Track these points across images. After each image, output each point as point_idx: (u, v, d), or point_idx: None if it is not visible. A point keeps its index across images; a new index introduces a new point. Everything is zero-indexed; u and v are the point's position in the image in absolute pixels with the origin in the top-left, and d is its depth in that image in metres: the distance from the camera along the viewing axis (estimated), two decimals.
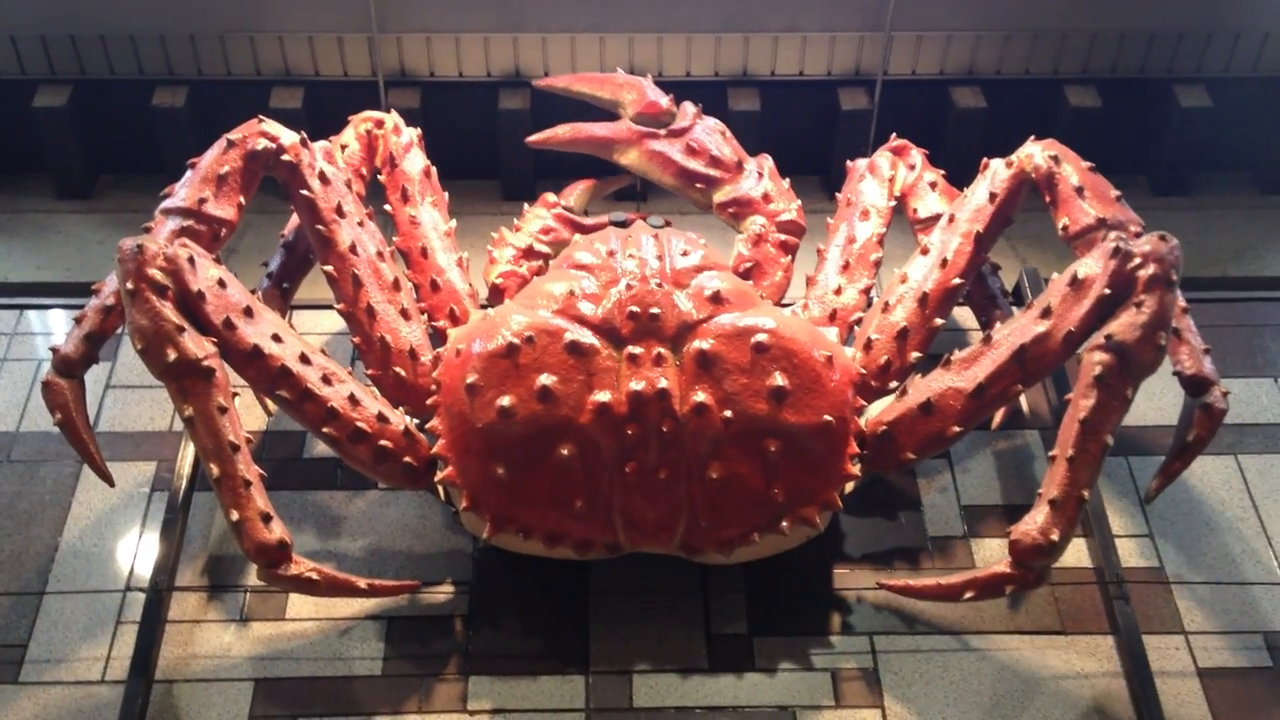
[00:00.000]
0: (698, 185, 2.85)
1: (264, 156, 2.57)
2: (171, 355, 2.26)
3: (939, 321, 2.57)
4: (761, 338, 2.37)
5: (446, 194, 2.81)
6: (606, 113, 3.00)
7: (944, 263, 2.58)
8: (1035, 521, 2.31)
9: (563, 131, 2.96)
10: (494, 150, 3.48)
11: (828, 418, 2.38)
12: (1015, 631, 2.55)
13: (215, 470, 2.28)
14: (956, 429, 2.44)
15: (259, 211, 3.24)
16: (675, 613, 2.57)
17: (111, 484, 2.61)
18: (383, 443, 2.42)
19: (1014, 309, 2.71)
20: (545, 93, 3.12)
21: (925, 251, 2.62)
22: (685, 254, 2.51)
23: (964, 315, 3.05)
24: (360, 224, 2.59)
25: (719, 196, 2.84)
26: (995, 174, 2.63)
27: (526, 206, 2.89)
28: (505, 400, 2.34)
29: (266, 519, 2.29)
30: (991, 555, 2.66)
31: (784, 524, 2.40)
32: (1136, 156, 3.62)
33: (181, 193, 2.53)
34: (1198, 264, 3.36)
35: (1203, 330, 2.60)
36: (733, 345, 2.37)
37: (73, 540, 2.68)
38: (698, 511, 2.38)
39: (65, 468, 2.79)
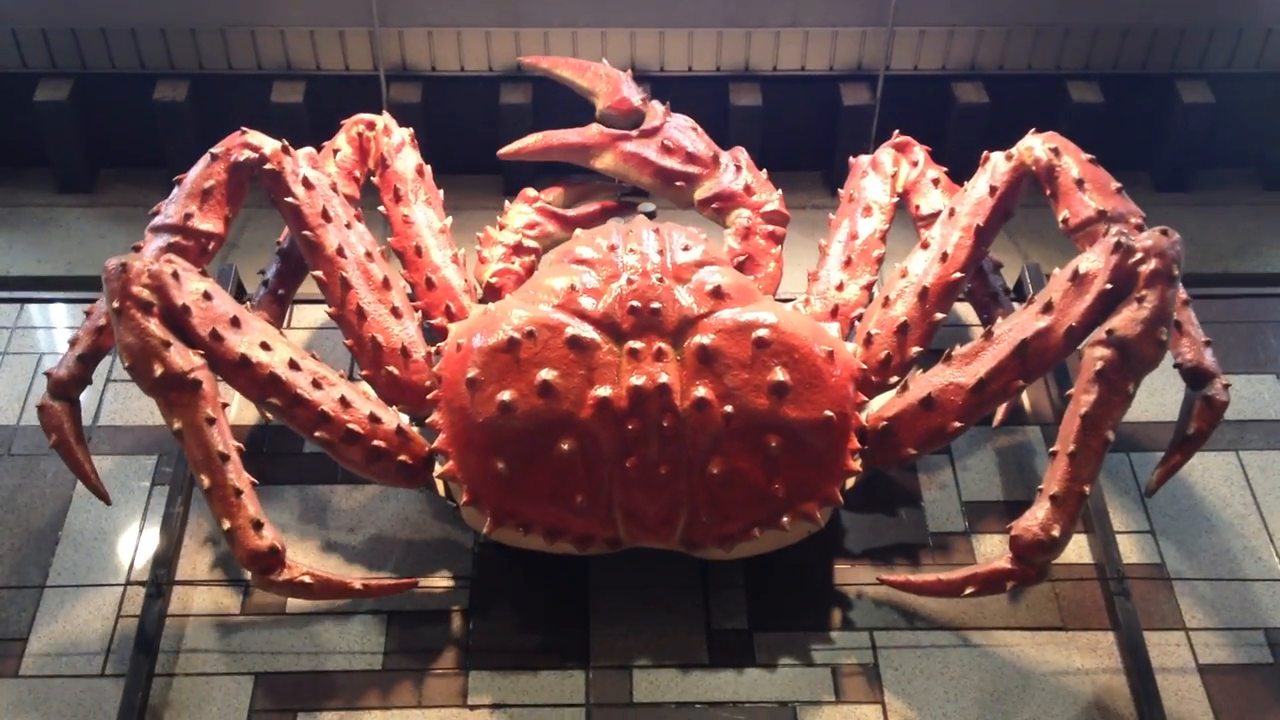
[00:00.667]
0: (677, 183, 2.84)
1: (248, 167, 2.58)
2: (158, 370, 2.28)
3: (940, 316, 2.57)
4: (762, 333, 2.37)
5: (444, 191, 2.81)
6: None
7: (944, 257, 2.57)
8: (1036, 517, 2.31)
9: (533, 141, 2.94)
10: (495, 145, 3.45)
11: (828, 413, 2.38)
12: (1016, 627, 2.55)
13: (206, 481, 2.29)
14: (957, 424, 2.44)
15: (259, 206, 3.24)
16: (675, 608, 2.57)
17: (108, 502, 2.64)
18: (376, 443, 2.42)
19: (1016, 305, 2.70)
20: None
21: (926, 246, 2.62)
22: (686, 249, 2.51)
23: (965, 310, 3.05)
24: (348, 226, 2.60)
25: (700, 193, 2.83)
26: (995, 167, 2.63)
27: (507, 203, 2.89)
28: (506, 395, 2.34)
29: (258, 526, 2.29)
30: (992, 551, 2.66)
31: (785, 519, 2.40)
32: (1139, 152, 3.61)
33: (168, 210, 2.56)
34: (1200, 260, 3.36)
35: (1204, 326, 2.59)
36: (734, 340, 2.37)
37: (73, 534, 2.68)
38: (698, 506, 2.38)
39: None
